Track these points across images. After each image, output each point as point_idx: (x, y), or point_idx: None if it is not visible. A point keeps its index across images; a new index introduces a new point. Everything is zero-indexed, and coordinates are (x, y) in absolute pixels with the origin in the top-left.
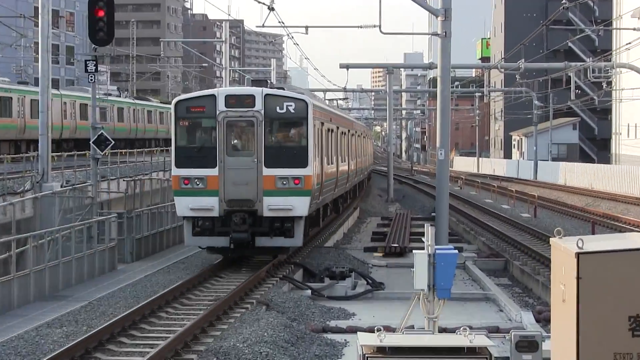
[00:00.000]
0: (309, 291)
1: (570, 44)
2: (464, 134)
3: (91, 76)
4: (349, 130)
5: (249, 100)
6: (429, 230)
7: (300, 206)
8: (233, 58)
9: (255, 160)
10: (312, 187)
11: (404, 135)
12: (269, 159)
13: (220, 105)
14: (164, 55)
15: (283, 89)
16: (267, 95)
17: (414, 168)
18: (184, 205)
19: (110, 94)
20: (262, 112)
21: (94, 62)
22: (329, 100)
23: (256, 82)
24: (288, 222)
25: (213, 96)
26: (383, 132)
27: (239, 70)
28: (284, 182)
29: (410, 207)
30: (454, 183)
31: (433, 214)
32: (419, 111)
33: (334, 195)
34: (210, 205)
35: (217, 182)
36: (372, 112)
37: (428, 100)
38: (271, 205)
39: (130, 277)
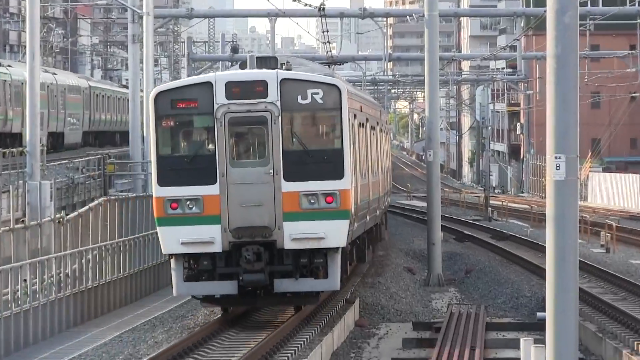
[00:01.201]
0: None
1: None
2: (613, 117)
3: None
4: (377, 123)
5: (259, 88)
6: (531, 353)
7: (335, 233)
8: None
9: (271, 171)
10: (350, 206)
11: (465, 121)
12: (290, 169)
13: (220, 96)
14: None
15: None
16: (284, 80)
17: (490, 204)
18: (172, 239)
19: None
20: (279, 104)
21: None
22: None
23: (262, 61)
24: (319, 256)
25: (209, 84)
26: (418, 116)
27: None
28: (312, 201)
29: (484, 297)
30: (590, 238)
31: (541, 314)
32: (502, 64)
33: (365, 227)
34: (210, 236)
35: (219, 203)
36: (387, 66)
37: (524, 37)
38: (295, 234)
39: None
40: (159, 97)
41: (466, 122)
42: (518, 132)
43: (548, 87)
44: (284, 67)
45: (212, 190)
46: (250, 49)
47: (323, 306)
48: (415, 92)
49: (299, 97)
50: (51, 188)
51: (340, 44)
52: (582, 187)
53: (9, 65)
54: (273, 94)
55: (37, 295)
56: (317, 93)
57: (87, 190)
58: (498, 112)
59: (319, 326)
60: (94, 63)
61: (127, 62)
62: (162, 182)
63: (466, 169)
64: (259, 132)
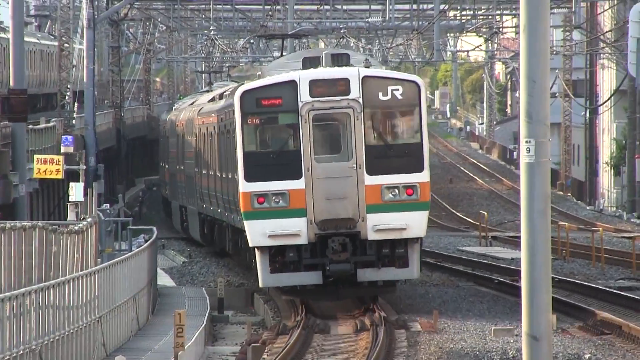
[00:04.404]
0: None
1: None
2: None
3: None
4: None
5: (341, 85)
6: None
7: (416, 224)
8: None
9: (354, 165)
10: (429, 197)
11: (605, 79)
12: (372, 163)
13: (304, 94)
14: None
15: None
16: (365, 77)
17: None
18: (259, 232)
19: None
20: (361, 100)
21: None
22: None
23: (336, 58)
24: (400, 246)
25: (293, 82)
26: (503, 69)
27: None
28: (394, 193)
29: None
30: None
31: None
32: None
33: None
34: (296, 229)
35: (304, 197)
36: None
37: None
38: (378, 225)
39: None
40: (244, 95)
41: (607, 80)
42: None
43: None
44: (363, 64)
45: (298, 184)
46: None
47: None
48: (496, 18)
49: (380, 94)
50: None
51: None
52: None
53: None
54: (355, 91)
55: None
56: (397, 89)
57: None
58: None
59: None
60: None
61: None
62: (248, 177)
63: (606, 179)
64: (341, 128)
